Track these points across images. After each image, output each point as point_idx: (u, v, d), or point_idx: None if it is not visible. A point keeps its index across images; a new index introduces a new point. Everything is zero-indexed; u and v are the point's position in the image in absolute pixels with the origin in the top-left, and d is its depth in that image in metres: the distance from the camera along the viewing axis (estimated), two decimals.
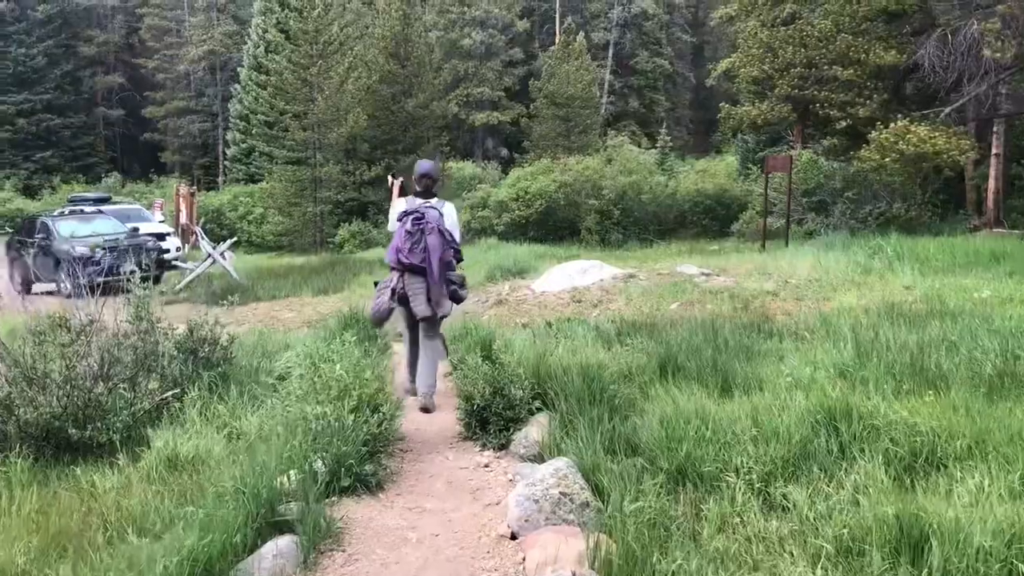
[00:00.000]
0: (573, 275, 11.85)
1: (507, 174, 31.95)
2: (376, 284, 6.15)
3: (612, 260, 17.41)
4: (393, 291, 5.78)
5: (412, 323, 6.15)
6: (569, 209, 23.18)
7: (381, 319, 5.95)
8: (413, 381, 6.30)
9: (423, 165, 6.16)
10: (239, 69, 44.16)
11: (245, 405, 5.60)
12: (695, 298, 10.15)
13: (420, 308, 5.73)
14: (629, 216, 22.62)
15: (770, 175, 17.66)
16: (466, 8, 45.60)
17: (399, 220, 5.86)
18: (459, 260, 6.14)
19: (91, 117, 54.25)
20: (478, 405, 5.18)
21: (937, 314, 7.63)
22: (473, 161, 36.86)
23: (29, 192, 43.64)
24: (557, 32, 49.05)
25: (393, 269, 5.89)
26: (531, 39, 51.95)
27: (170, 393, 5.57)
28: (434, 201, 5.99)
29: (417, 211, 5.80)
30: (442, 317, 5.95)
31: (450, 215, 6.00)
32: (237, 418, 5.42)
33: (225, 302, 8.08)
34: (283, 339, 8.38)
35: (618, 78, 51.73)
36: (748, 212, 21.17)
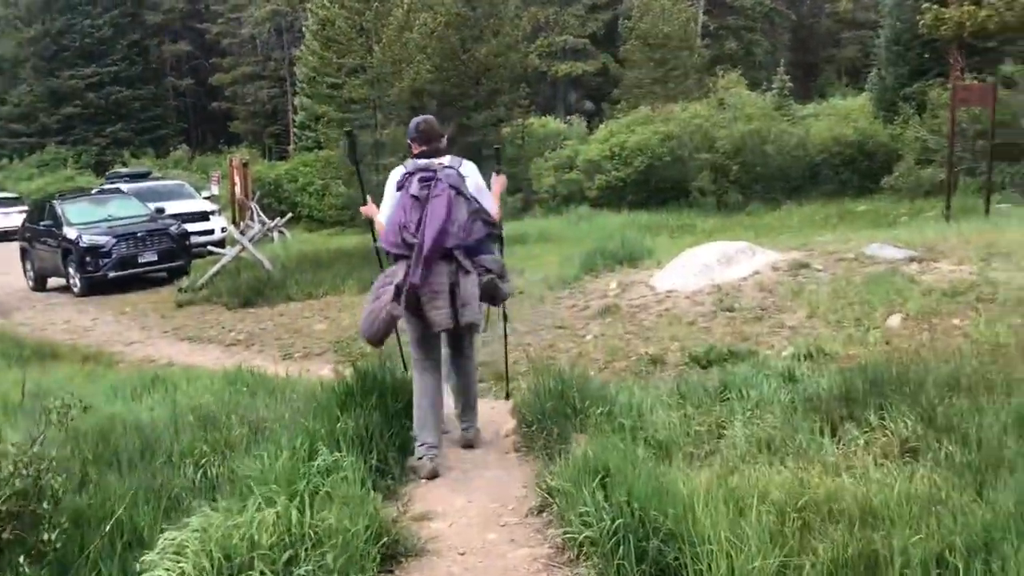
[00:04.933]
0: (712, 264, 8.19)
1: (593, 130, 28.14)
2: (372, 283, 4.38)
3: (741, 231, 13.69)
4: (398, 290, 4.00)
5: (427, 342, 4.31)
6: (675, 166, 19.18)
7: (380, 335, 4.11)
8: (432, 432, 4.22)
9: (418, 119, 4.51)
10: (304, 29, 41.30)
11: None
12: (923, 305, 6.41)
13: (441, 316, 3.96)
14: (750, 172, 18.49)
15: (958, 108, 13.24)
16: None
17: (397, 185, 4.23)
18: (497, 239, 4.49)
19: (160, 88, 52.61)
20: None
21: None
22: (555, 117, 32.98)
23: (100, 168, 42.21)
24: None
25: (397, 258, 4.14)
26: None
27: None
28: (447, 159, 4.32)
29: (426, 169, 4.18)
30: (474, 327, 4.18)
31: (473, 176, 4.33)
32: None
33: None
34: (267, 413, 5.11)
35: (712, 18, 46.69)
36: (904, 162, 16.87)
